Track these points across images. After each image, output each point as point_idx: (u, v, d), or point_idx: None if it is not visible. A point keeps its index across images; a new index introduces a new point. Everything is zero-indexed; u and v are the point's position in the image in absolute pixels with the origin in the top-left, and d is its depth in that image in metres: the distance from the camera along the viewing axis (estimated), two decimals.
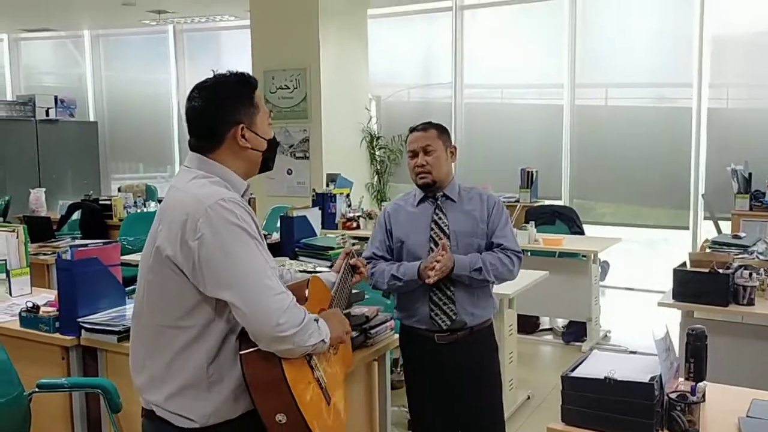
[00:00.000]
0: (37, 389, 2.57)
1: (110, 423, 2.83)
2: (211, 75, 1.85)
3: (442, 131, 2.75)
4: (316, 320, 1.74)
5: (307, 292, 1.91)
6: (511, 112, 7.78)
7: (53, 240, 5.38)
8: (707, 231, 6.59)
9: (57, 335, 2.91)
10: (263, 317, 1.60)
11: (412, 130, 2.78)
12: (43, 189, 7.38)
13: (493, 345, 2.82)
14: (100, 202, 7.37)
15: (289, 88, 7.00)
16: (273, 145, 1.87)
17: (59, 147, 9.06)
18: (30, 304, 3.05)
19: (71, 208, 7.06)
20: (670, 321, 6.42)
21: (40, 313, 2.99)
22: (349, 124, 7.54)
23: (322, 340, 1.73)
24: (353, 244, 2.36)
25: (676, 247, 7.22)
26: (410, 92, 8.31)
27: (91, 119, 9.96)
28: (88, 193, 7.88)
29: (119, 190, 7.71)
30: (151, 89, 9.90)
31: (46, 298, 3.30)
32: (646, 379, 1.85)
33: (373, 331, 2.69)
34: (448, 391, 2.71)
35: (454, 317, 2.64)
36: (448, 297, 2.64)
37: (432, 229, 2.67)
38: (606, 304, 5.89)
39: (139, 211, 7.07)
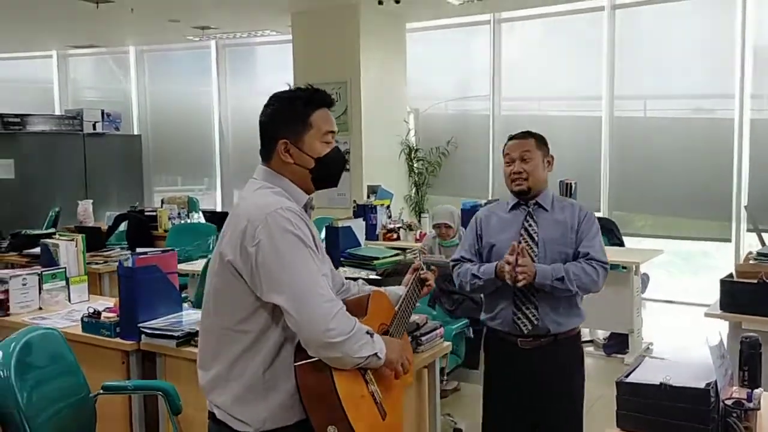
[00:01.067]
0: (102, 391, 2.68)
1: (169, 424, 2.95)
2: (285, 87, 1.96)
3: (541, 140, 2.77)
4: (370, 334, 1.77)
5: (367, 306, 1.94)
6: (549, 124, 7.78)
7: (104, 249, 5.55)
8: (749, 244, 6.51)
9: (118, 340, 3.03)
10: (312, 322, 1.66)
11: (511, 138, 2.80)
12: (91, 200, 7.60)
13: (579, 356, 2.79)
14: (146, 213, 7.58)
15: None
16: (324, 163, 1.89)
17: (105, 160, 9.32)
18: (91, 310, 3.18)
19: (118, 219, 7.26)
20: (713, 333, 6.33)
21: (101, 318, 3.11)
22: (388, 137, 7.63)
23: (376, 355, 1.75)
24: (416, 257, 2.37)
25: (715, 260, 7.16)
26: (448, 104, 8.38)
27: (135, 132, 10.23)
28: (133, 204, 8.11)
29: (162, 201, 7.89)
30: (194, 103, 10.13)
31: (103, 304, 3.43)
32: (701, 385, 1.88)
33: (423, 338, 2.74)
34: (526, 397, 2.70)
35: (536, 322, 2.65)
36: (531, 302, 2.65)
37: (521, 235, 2.68)
38: (647, 316, 5.85)
39: (182, 222, 7.24)
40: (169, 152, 10.31)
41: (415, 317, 2.75)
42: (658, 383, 1.92)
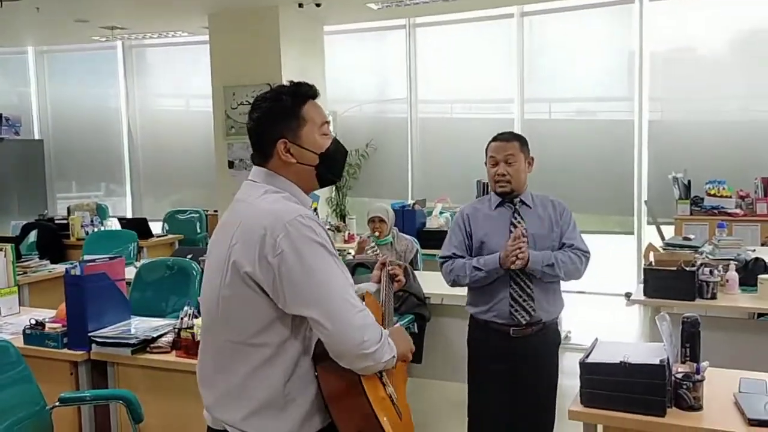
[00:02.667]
0: (58, 403, 2.61)
1: None
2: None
3: (524, 143, 2.90)
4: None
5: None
6: (464, 126, 8.07)
7: (20, 260, 5.28)
8: (650, 236, 7.01)
9: (66, 351, 2.94)
10: (348, 334, 1.60)
11: (495, 138, 2.91)
12: None
13: (558, 339, 3.00)
14: (56, 222, 7.25)
15: (250, 104, 7.04)
16: (328, 157, 1.80)
17: (4, 166, 8.83)
18: (33, 321, 3.06)
19: (26, 229, 6.92)
20: (628, 320, 6.75)
21: (46, 329, 3.00)
22: None
23: (393, 356, 1.71)
24: (376, 253, 2.36)
25: (609, 254, 7.63)
26: (367, 107, 8.49)
27: (36, 137, 9.72)
28: (42, 212, 7.73)
29: (69, 209, 7.56)
30: (99, 107, 9.71)
31: (39, 315, 3.29)
32: (656, 362, 2.08)
33: None
34: (513, 379, 2.85)
35: (533, 313, 2.80)
36: (528, 294, 2.80)
37: (511, 231, 2.80)
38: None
39: (96, 230, 6.98)
40: (73, 158, 9.86)
41: None
42: (618, 362, 2.11)
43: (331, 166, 1.83)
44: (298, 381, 1.69)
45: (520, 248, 2.70)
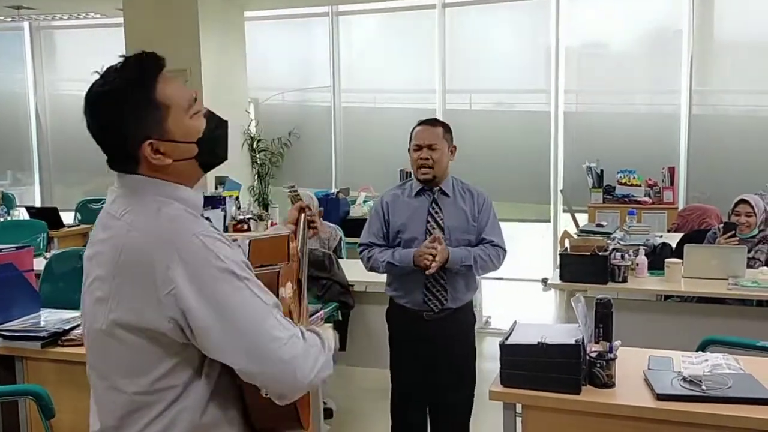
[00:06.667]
0: None
1: (32, 431, 2.77)
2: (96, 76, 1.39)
3: (448, 130, 2.91)
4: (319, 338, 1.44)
5: (288, 250, 1.67)
6: (387, 115, 8.11)
7: None
8: (565, 223, 7.27)
9: None
10: (278, 378, 1.33)
11: (420, 123, 2.90)
12: None
13: (472, 319, 3.04)
14: None
15: None
16: (207, 140, 1.42)
17: None
18: None
19: None
20: (545, 304, 6.96)
21: None
22: (230, 127, 7.48)
23: (330, 366, 1.45)
24: (295, 194, 2.05)
25: (522, 243, 7.85)
26: (289, 95, 8.40)
27: None
28: None
29: None
30: (4, 91, 9.20)
31: None
32: (571, 342, 2.16)
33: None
34: (430, 359, 2.90)
35: (445, 302, 2.85)
36: (442, 285, 2.84)
37: (428, 222, 2.83)
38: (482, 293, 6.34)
39: (2, 219, 6.62)
40: None
41: None
42: (536, 343, 2.17)
43: (214, 149, 1.46)
44: (219, 405, 1.41)
45: (432, 254, 2.72)
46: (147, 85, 1.35)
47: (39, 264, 4.00)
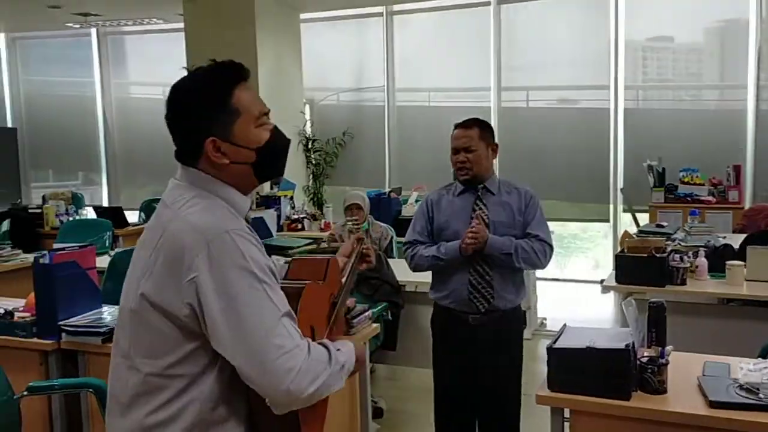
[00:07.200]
0: (26, 393, 2.58)
1: (93, 423, 2.88)
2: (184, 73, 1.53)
3: (484, 129, 2.88)
4: (330, 351, 1.46)
5: (326, 272, 1.73)
6: (441, 114, 8.07)
7: None
8: (626, 223, 7.09)
9: (35, 340, 2.91)
10: (273, 382, 1.34)
11: (456, 126, 2.90)
12: None
13: (521, 326, 3.00)
14: (29, 210, 7.15)
15: None
16: (267, 152, 1.51)
17: None
18: (2, 310, 3.03)
19: None
20: (604, 306, 6.82)
21: (15, 318, 2.97)
22: (285, 128, 7.47)
23: (342, 383, 1.48)
24: (356, 225, 2.15)
25: (581, 242, 7.70)
26: (344, 95, 8.47)
27: (9, 125, 9.57)
28: (14, 201, 7.62)
29: (44, 198, 7.47)
30: (74, 94, 9.61)
31: (8, 304, 3.25)
32: (621, 346, 2.11)
33: (354, 321, 2.84)
34: (474, 364, 2.87)
35: (492, 300, 2.81)
36: (487, 282, 2.81)
37: (472, 218, 2.81)
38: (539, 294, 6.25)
39: (71, 219, 6.90)
40: (48, 146, 9.76)
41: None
42: (584, 347, 2.13)
43: (272, 162, 1.54)
44: (232, 401, 1.45)
45: (475, 231, 2.72)
46: (225, 88, 1.47)
47: (104, 261, 4.16)
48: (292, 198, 6.25)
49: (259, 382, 1.35)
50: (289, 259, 1.90)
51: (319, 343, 1.47)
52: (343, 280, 1.89)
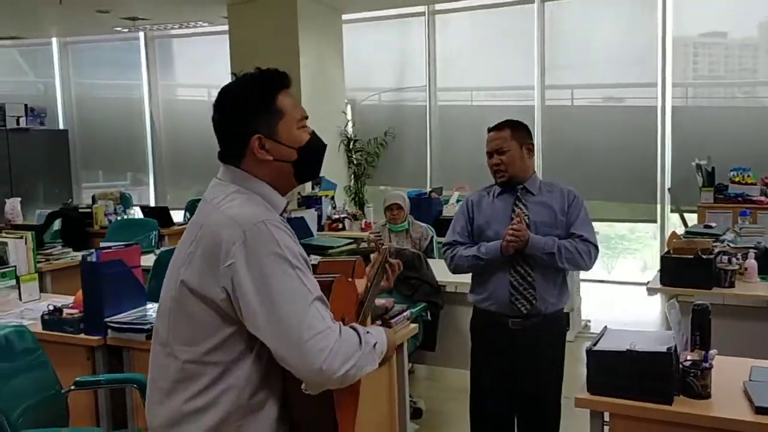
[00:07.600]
0: (74, 387, 2.66)
1: (138, 417, 2.95)
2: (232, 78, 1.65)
3: (516, 129, 2.83)
4: (366, 338, 1.53)
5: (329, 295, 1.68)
6: (484, 113, 8.01)
7: (43, 248, 5.38)
8: (674, 224, 6.93)
9: (83, 336, 3.00)
10: (307, 363, 1.40)
11: (489, 130, 2.87)
12: (18, 198, 7.34)
13: (563, 329, 2.95)
14: (80, 210, 7.36)
15: None
16: (307, 152, 1.63)
17: (30, 156, 8.99)
18: (52, 307, 3.13)
19: (50, 217, 7.03)
20: (650, 308, 6.68)
21: (64, 315, 3.06)
22: (327, 128, 7.67)
23: (375, 365, 1.54)
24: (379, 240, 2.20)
25: (628, 243, 7.52)
26: (385, 95, 8.48)
27: (61, 127, 9.88)
28: (66, 201, 7.85)
29: (93, 198, 7.68)
30: (122, 97, 9.87)
31: (57, 302, 3.36)
32: (663, 349, 2.06)
33: (392, 321, 2.83)
34: (513, 369, 2.82)
35: (534, 302, 2.75)
36: (529, 283, 2.75)
37: (512, 219, 2.76)
38: (583, 295, 6.15)
39: (119, 218, 7.08)
40: (98, 147, 10.03)
41: (381, 301, 2.84)
42: (624, 350, 2.09)
43: (311, 162, 1.66)
44: (268, 388, 1.53)
45: (516, 229, 2.68)
46: (271, 91, 1.60)
47: (150, 260, 4.26)
48: (333, 198, 6.29)
49: (293, 362, 1.42)
50: (317, 261, 1.97)
51: (350, 326, 1.53)
52: (370, 283, 1.91)
